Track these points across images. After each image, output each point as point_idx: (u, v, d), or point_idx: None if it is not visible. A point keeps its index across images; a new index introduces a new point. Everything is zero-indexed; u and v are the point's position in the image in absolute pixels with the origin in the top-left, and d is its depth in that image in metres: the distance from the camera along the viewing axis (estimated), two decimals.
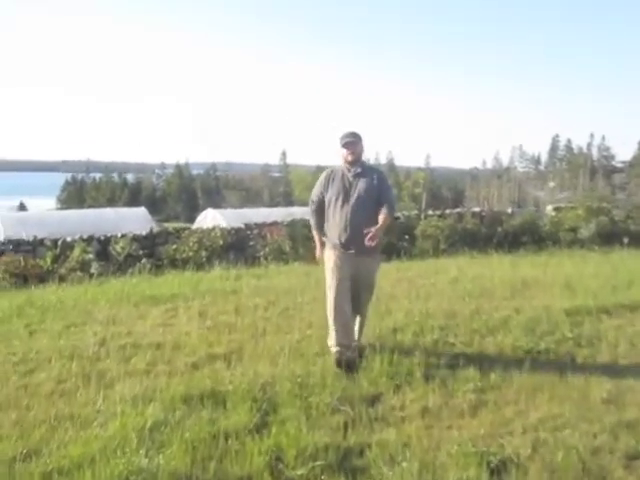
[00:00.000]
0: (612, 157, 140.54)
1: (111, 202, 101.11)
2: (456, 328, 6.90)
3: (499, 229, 14.28)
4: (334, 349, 5.76)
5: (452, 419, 4.70)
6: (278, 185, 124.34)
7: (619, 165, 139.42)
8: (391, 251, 12.74)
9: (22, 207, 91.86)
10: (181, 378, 5.40)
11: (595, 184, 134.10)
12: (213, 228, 13.36)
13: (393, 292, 8.79)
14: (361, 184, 5.77)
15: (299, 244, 12.80)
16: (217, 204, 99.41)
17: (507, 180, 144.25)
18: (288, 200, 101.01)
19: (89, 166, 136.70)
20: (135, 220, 46.21)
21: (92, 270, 11.65)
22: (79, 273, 11.49)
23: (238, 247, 13.20)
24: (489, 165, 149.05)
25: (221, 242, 12.73)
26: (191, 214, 63.97)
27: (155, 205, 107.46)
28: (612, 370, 5.76)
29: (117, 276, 11.22)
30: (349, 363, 5.63)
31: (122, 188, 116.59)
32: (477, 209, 15.72)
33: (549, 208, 16.75)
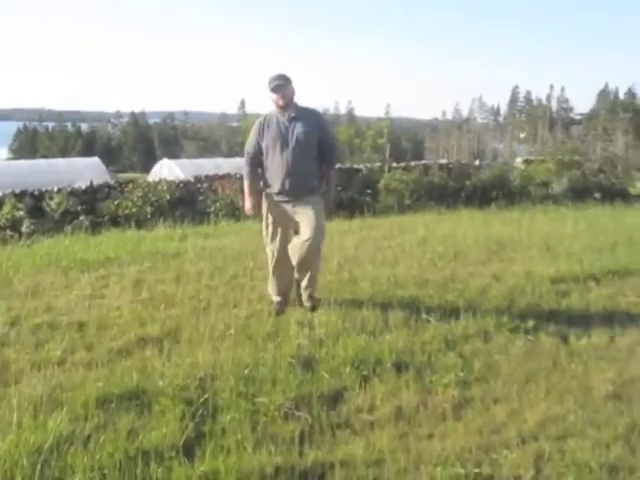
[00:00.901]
0: (571, 109, 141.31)
1: (64, 152, 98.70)
2: (429, 300, 6.02)
3: (467, 183, 13.42)
4: (275, 298, 5.80)
5: (432, 424, 3.82)
6: (237, 135, 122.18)
7: (577, 117, 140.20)
8: (353, 207, 11.82)
9: None
10: (101, 371, 4.40)
11: (554, 136, 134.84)
12: (159, 181, 12.21)
13: (356, 255, 7.89)
14: (299, 127, 5.54)
15: None
16: (175, 154, 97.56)
17: (467, 131, 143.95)
18: None
19: (43, 114, 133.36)
20: (88, 171, 44.57)
21: (23, 229, 10.52)
22: (9, 232, 10.34)
23: (187, 202, 12.13)
24: (449, 116, 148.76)
25: (168, 197, 11.63)
26: (148, 164, 62.19)
27: (111, 155, 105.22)
28: (611, 352, 4.96)
29: (50, 235, 10.11)
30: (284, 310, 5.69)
31: (76, 137, 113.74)
32: (443, 161, 14.80)
33: (518, 161, 15.94)
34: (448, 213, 11.98)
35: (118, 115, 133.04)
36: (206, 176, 12.68)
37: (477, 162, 15.14)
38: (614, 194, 14.13)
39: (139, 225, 10.87)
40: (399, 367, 4.50)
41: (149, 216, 11.14)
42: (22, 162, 55.46)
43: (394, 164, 14.44)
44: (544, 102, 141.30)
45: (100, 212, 11.48)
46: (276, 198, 5.63)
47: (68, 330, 5.22)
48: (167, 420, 3.70)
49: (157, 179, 35.61)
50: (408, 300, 5.95)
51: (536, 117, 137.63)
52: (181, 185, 12.28)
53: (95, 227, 10.72)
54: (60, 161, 52.39)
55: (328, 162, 5.78)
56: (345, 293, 6.13)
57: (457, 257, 7.84)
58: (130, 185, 11.78)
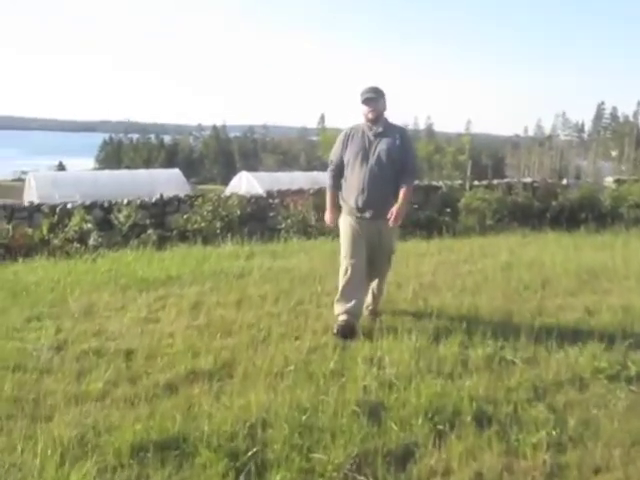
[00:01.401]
0: None
1: (148, 163, 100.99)
2: (514, 337, 5.35)
3: (554, 203, 12.57)
4: (341, 317, 5.42)
5: None
6: (316, 149, 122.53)
7: None
8: (431, 226, 11.17)
9: (61, 167, 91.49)
10: (143, 409, 3.93)
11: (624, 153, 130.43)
12: (230, 196, 11.84)
13: (434, 281, 7.27)
14: (382, 144, 5.43)
15: None
16: (254, 167, 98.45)
17: (549, 148, 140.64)
18: (325, 165, 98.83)
19: (128, 127, 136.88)
20: (169, 182, 45.19)
21: (90, 242, 10.28)
22: (76, 245, 10.12)
23: (258, 218, 11.71)
24: (531, 132, 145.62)
25: (238, 212, 11.23)
26: (227, 177, 62.77)
27: (192, 167, 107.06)
28: None
29: (117, 249, 9.85)
30: (351, 330, 5.31)
31: (159, 149, 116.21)
32: (528, 179, 13.97)
33: (608, 180, 14.94)
34: (533, 235, 11.18)
35: (200, 128, 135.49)
36: (278, 191, 12.24)
37: (564, 181, 14.25)
38: None
39: (207, 240, 10.50)
40: (480, 421, 3.86)
41: (218, 231, 10.75)
42: (106, 172, 56.78)
43: (475, 182, 13.71)
44: (631, 119, 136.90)
45: (169, 226, 11.17)
46: (352, 214, 5.52)
47: (115, 358, 4.79)
48: (208, 476, 3.20)
49: (234, 192, 35.85)
50: (490, 336, 5.30)
51: (622, 134, 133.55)
52: (252, 200, 11.88)
53: (162, 241, 10.41)
54: (142, 172, 53.31)
55: (405, 180, 5.52)
56: (420, 326, 5.53)
57: (545, 286, 7.12)
58: (200, 199, 11.43)
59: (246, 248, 9.43)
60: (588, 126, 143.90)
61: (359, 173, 5.43)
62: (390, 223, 5.36)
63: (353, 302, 5.42)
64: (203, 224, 10.86)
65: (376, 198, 5.39)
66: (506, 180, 13.81)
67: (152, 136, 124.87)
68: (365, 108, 5.49)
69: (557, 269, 7.96)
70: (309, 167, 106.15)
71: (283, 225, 11.06)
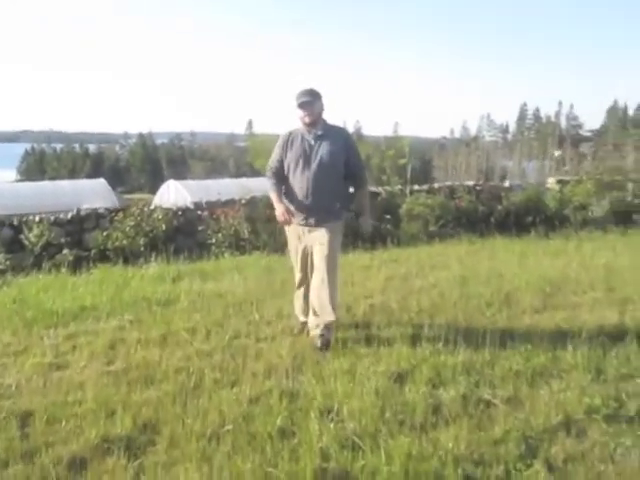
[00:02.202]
0: (580, 126, 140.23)
1: (72, 173, 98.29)
2: (487, 369, 4.62)
3: (499, 207, 12.00)
4: (301, 318, 5.53)
5: None
6: (244, 155, 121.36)
7: (587, 134, 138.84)
8: (373, 236, 10.40)
9: None
10: None
11: (564, 153, 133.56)
12: (154, 209, 10.81)
13: (385, 301, 6.48)
14: (323, 148, 5.22)
15: (260, 228, 10.42)
16: (182, 175, 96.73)
17: (475, 149, 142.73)
18: (254, 171, 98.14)
19: (51, 136, 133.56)
20: (94, 193, 43.56)
21: None
22: None
23: (186, 232, 10.75)
24: (457, 134, 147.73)
25: (164, 226, 10.25)
26: (155, 185, 61.34)
27: (118, 176, 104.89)
28: None
29: (27, 273, 8.77)
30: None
31: (84, 159, 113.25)
32: (470, 183, 13.37)
33: (550, 181, 14.49)
34: (481, 242, 10.57)
35: (126, 136, 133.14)
36: (207, 202, 11.29)
37: (507, 183, 13.71)
38: None
39: (130, 260, 9.52)
40: None
41: (142, 249, 9.76)
42: (27, 184, 54.51)
43: (416, 186, 13.04)
44: (553, 119, 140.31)
45: (87, 245, 10.10)
46: (295, 220, 5.30)
47: (7, 425, 3.81)
48: None
49: (162, 201, 34.61)
50: (461, 370, 4.55)
51: (545, 134, 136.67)
52: (179, 213, 10.89)
53: (79, 263, 9.36)
54: (65, 183, 51.32)
55: (359, 183, 5.51)
56: (377, 361, 4.73)
57: (507, 303, 6.42)
58: (121, 214, 10.39)
59: (173, 268, 8.48)
60: (512, 127, 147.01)
61: (301, 178, 5.22)
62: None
63: (307, 304, 5.39)
64: (125, 241, 9.84)
65: (321, 203, 5.20)
66: (447, 184, 13.17)
67: (77, 145, 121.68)
68: (301, 112, 5.24)
69: (516, 282, 7.29)
70: (238, 173, 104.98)
71: (214, 240, 10.13)
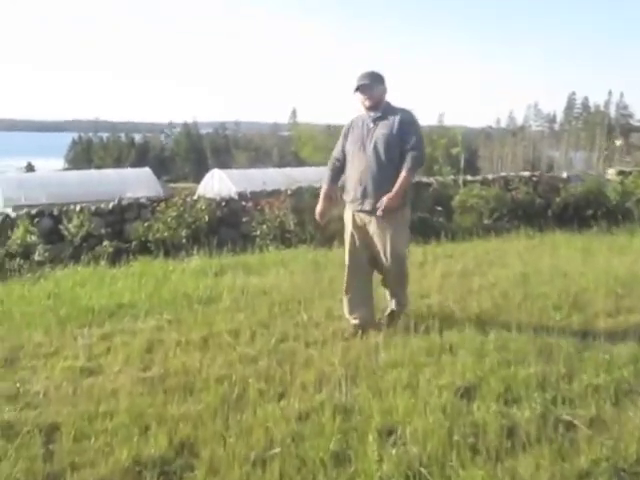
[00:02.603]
0: (630, 115, 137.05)
1: (118, 162, 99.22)
2: (564, 383, 4.12)
3: (557, 199, 11.36)
4: (352, 321, 5.17)
5: None
6: (288, 144, 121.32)
7: (638, 124, 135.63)
8: (425, 230, 9.89)
9: (30, 168, 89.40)
10: None
11: (613, 143, 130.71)
12: (197, 200, 10.44)
13: (443, 302, 5.98)
14: (380, 130, 4.99)
15: (307, 220, 9.97)
16: (226, 164, 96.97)
17: (522, 139, 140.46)
18: (298, 160, 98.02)
19: (97, 125, 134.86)
20: (139, 181, 43.72)
21: (36, 257, 8.88)
22: (19, 261, 8.72)
23: (229, 223, 10.35)
24: (503, 124, 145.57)
25: (207, 217, 9.86)
26: (200, 174, 61.48)
27: (163, 165, 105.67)
28: None
29: (65, 265, 8.47)
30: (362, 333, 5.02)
31: (129, 148, 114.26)
32: (526, 173, 12.72)
33: (611, 172, 13.77)
34: (539, 237, 9.96)
35: (171, 126, 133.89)
36: (252, 192, 10.87)
37: (564, 174, 13.03)
38: None
39: (171, 252, 9.16)
40: None
41: (184, 240, 9.39)
42: (74, 173, 55.16)
43: (468, 177, 12.46)
44: (602, 108, 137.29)
45: (127, 236, 9.77)
46: (352, 207, 5.15)
47: (28, 443, 3.43)
48: None
49: (207, 190, 34.49)
50: (535, 385, 4.05)
51: (594, 124, 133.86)
52: (223, 204, 10.49)
53: (119, 255, 9.02)
54: (111, 172, 51.67)
55: (405, 164, 4.94)
56: (440, 372, 4.25)
57: (577, 305, 5.87)
58: (163, 204, 10.02)
59: (215, 261, 8.08)
60: (560, 116, 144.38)
61: (358, 163, 5.05)
62: (378, 212, 4.88)
63: (358, 305, 5.19)
64: (166, 233, 9.48)
65: (374, 188, 4.96)
66: (502, 174, 12.54)
67: (122, 135, 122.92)
68: (360, 97, 5.08)
69: (583, 282, 6.72)
70: (282, 163, 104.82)
71: (258, 232, 9.70)
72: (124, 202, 10.25)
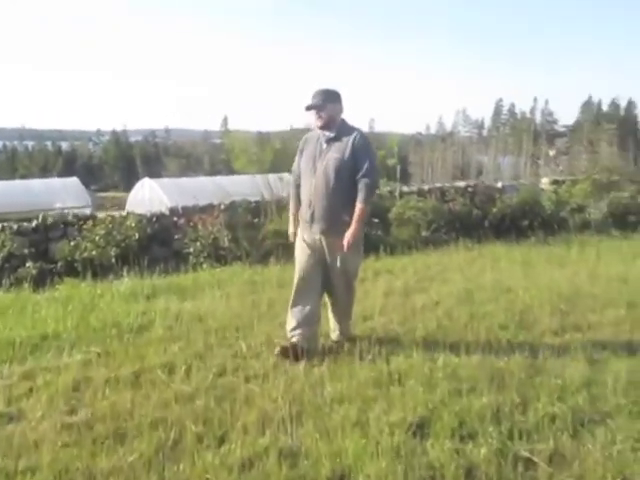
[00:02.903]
0: (555, 121, 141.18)
1: (44, 172, 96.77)
2: (519, 413, 3.94)
3: (494, 210, 11.33)
4: (293, 339, 4.95)
5: None
6: (219, 152, 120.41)
7: (562, 129, 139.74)
8: (364, 244, 9.68)
9: None
10: None
11: (538, 149, 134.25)
12: (126, 216, 10.01)
13: (386, 324, 5.78)
14: (332, 152, 4.84)
15: (241, 236, 9.67)
16: (156, 172, 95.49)
17: (451, 144, 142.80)
18: (230, 168, 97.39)
19: (23, 134, 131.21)
20: (67, 191, 42.46)
21: None
22: None
23: (161, 240, 9.95)
24: (433, 130, 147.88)
25: (137, 235, 9.44)
26: (130, 183, 60.36)
27: (92, 174, 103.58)
28: None
29: None
30: (295, 354, 4.81)
31: (56, 157, 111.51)
32: (462, 183, 12.68)
33: (544, 181, 13.88)
34: (478, 249, 9.91)
35: (99, 133, 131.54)
36: (184, 208, 10.49)
37: (499, 184, 13.04)
38: None
39: (100, 273, 8.73)
40: None
41: (113, 260, 8.95)
42: None
43: (405, 188, 12.34)
44: (528, 115, 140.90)
45: (53, 256, 9.26)
46: (302, 227, 5.05)
47: None
48: None
49: (135, 200, 33.52)
50: (490, 417, 3.86)
51: (520, 130, 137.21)
52: (153, 219, 10.08)
53: (44, 277, 8.55)
54: (37, 182, 50.04)
55: (360, 195, 4.76)
56: (389, 406, 4.02)
57: (523, 324, 5.75)
58: (91, 221, 9.55)
59: (147, 283, 7.69)
60: (488, 122, 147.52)
61: (308, 184, 4.93)
62: (344, 249, 4.75)
63: (300, 322, 4.97)
64: (94, 252, 9.02)
65: (323, 212, 4.83)
66: (438, 185, 12.46)
67: (49, 143, 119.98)
68: (312, 116, 4.96)
69: (527, 297, 6.63)
70: (213, 171, 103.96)
71: (191, 249, 9.33)
72: (49, 220, 9.73)
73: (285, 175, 12.76)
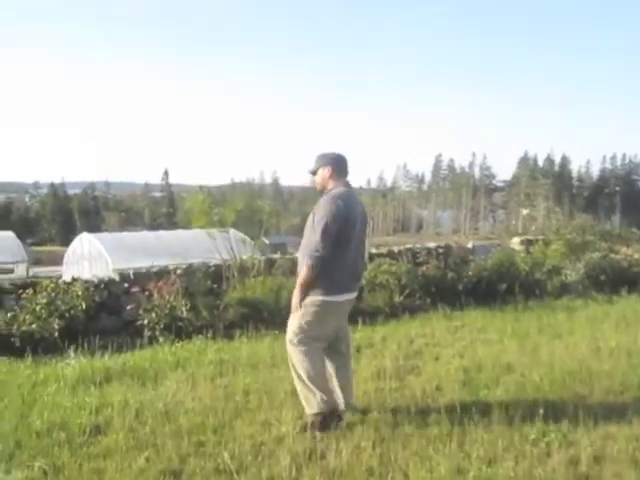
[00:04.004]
0: (493, 176, 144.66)
1: None
2: None
3: (470, 273, 10.64)
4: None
5: None
6: (160, 205, 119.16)
7: (500, 184, 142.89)
8: None
9: None
10: None
11: (477, 202, 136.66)
12: (72, 281, 8.90)
13: (386, 419, 4.90)
14: (310, 218, 4.82)
15: (201, 304, 8.73)
16: (95, 226, 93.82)
17: (392, 199, 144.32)
18: (171, 221, 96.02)
19: None
20: (2, 246, 40.78)
21: None
22: None
23: (110, 309, 8.90)
24: (373, 184, 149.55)
25: (84, 305, 8.39)
26: (68, 237, 58.91)
27: (28, 227, 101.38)
28: None
29: None
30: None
31: None
32: (432, 244, 11.98)
33: (514, 241, 13.33)
34: (460, 316, 9.16)
35: (36, 186, 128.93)
36: (135, 272, 9.47)
37: (470, 244, 12.39)
38: (625, 278, 11.63)
39: (43, 349, 7.66)
40: None
41: (56, 334, 7.86)
42: None
43: (372, 249, 11.59)
44: (467, 169, 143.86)
45: None
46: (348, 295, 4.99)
47: None
48: None
49: (74, 255, 32.02)
50: None
51: (460, 184, 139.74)
52: (102, 286, 9.02)
53: None
54: None
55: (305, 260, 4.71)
56: None
57: (546, 416, 4.93)
58: (29, 291, 8.44)
59: (98, 364, 6.65)
60: (428, 177, 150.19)
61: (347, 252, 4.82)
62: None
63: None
64: (35, 325, 7.92)
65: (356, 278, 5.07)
66: (408, 246, 11.71)
67: None
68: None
69: (535, 377, 5.89)
70: (154, 224, 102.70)
71: (146, 321, 8.30)
72: None
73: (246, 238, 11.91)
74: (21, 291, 8.47)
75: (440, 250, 11.51)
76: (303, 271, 4.65)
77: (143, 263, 27.09)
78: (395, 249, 11.49)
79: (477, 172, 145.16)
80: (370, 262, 10.47)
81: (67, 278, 9.19)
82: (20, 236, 50.05)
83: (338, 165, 4.93)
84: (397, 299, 9.78)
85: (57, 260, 42.05)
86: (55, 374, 6.34)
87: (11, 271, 38.65)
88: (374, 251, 11.30)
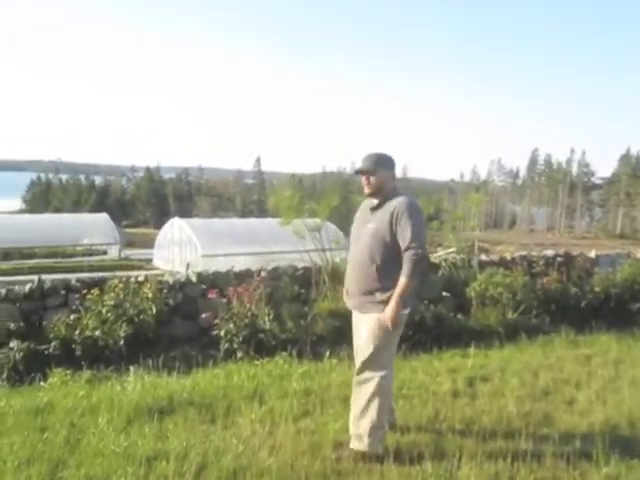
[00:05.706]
0: (592, 173, 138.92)
1: (77, 205, 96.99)
2: None
3: (596, 289, 9.13)
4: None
5: None
6: (252, 192, 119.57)
7: (598, 182, 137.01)
8: (441, 331, 7.63)
9: None
10: None
11: (574, 200, 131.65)
12: (144, 281, 7.93)
13: None
14: (372, 223, 4.42)
15: (285, 314, 7.62)
16: (188, 210, 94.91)
17: (485, 193, 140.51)
18: (261, 209, 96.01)
19: (59, 167, 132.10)
20: (96, 227, 41.44)
21: None
22: None
23: (185, 314, 7.89)
24: (467, 178, 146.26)
25: (154, 309, 7.41)
26: (161, 220, 59.42)
27: (123, 209, 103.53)
28: None
29: None
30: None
31: (89, 191, 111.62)
32: (550, 252, 10.47)
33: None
34: (588, 342, 7.75)
35: (133, 169, 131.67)
36: (215, 273, 8.39)
37: (593, 253, 10.82)
38: None
39: (105, 361, 6.72)
40: None
41: (122, 342, 6.92)
42: (28, 217, 52.64)
43: (483, 256, 10.19)
44: (564, 166, 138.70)
45: (46, 334, 7.19)
46: (348, 302, 4.66)
47: None
48: None
49: (165, 239, 31.75)
50: None
51: (556, 180, 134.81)
52: (176, 287, 8.01)
53: (34, 363, 6.53)
54: (67, 217, 49.41)
55: (404, 271, 4.19)
56: None
57: None
58: (95, 290, 7.51)
59: (162, 386, 5.62)
60: (523, 172, 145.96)
61: (351, 255, 4.63)
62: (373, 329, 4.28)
63: None
64: (99, 332, 6.97)
65: (360, 286, 4.44)
66: (522, 253, 10.22)
67: (82, 177, 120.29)
68: (361, 180, 4.53)
69: None
70: (245, 211, 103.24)
71: (223, 332, 7.24)
72: (46, 285, 7.74)
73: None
74: (85, 291, 7.52)
75: (559, 259, 10.00)
76: (408, 280, 4.16)
77: (232, 249, 26.79)
78: (508, 256, 10.05)
79: (575, 168, 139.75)
80: (480, 270, 9.13)
81: (156, 263, 8.20)
82: (115, 218, 50.82)
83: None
84: (511, 315, 8.42)
85: (149, 243, 42.34)
86: (110, 398, 5.32)
87: (104, 252, 39.34)
88: (484, 258, 9.90)
